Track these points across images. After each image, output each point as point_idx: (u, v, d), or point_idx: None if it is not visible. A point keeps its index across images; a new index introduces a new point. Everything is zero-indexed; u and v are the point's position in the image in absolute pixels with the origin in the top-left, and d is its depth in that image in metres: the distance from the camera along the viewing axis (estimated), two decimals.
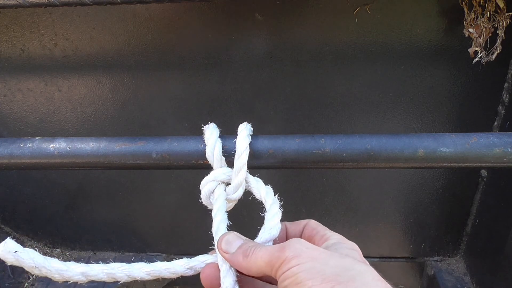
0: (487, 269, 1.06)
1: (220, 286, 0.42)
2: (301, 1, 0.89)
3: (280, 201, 0.49)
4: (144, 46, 0.96)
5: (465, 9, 0.82)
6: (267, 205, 0.48)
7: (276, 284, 0.38)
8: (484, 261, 1.09)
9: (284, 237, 0.47)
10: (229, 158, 0.52)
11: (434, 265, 1.21)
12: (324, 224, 0.46)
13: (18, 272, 1.21)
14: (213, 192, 0.51)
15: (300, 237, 0.46)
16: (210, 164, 0.53)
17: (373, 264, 0.38)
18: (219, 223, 0.46)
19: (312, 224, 0.46)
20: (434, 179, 1.10)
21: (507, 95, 0.95)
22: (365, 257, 0.40)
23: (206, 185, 0.51)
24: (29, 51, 0.98)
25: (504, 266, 0.97)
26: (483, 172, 1.07)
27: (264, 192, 0.49)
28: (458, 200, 1.13)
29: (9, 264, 0.44)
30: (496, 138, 0.51)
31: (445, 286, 1.13)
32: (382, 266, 1.23)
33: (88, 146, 0.54)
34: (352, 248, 0.40)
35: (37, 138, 0.56)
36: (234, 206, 0.53)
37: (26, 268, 0.44)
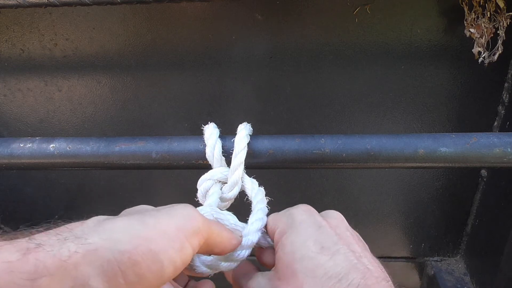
0: (487, 269, 1.06)
1: None
2: (301, 1, 0.89)
3: (276, 203, 0.48)
4: (144, 46, 0.96)
5: (466, 9, 0.82)
6: (253, 210, 0.48)
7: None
8: (484, 261, 1.09)
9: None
10: (229, 158, 0.52)
11: (434, 265, 1.21)
12: None
13: None
14: (208, 190, 0.51)
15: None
16: (210, 164, 0.53)
17: None
18: None
19: (270, 223, 0.45)
20: (434, 179, 1.10)
21: (507, 95, 0.95)
22: None
23: (203, 183, 0.51)
24: (29, 51, 0.98)
25: (504, 266, 0.97)
26: (483, 172, 1.07)
27: (254, 194, 0.50)
28: (458, 200, 1.12)
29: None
30: (496, 138, 0.51)
31: (445, 286, 1.13)
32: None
33: (88, 146, 0.54)
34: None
35: (37, 138, 0.56)
36: (235, 205, 0.53)
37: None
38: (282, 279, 0.37)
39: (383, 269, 0.39)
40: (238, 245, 0.42)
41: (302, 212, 0.42)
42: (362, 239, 0.44)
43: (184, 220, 0.33)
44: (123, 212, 0.38)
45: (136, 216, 0.33)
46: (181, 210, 0.35)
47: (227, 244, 0.40)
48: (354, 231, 0.44)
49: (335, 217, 0.44)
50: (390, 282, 0.37)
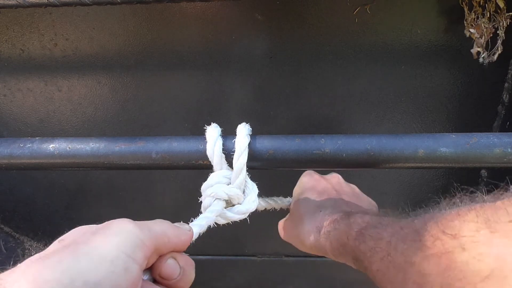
0: None
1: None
2: (301, 1, 0.89)
3: None
4: (144, 46, 0.96)
5: (465, 10, 0.82)
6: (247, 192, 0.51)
7: None
8: None
9: None
10: (228, 158, 0.52)
11: None
12: None
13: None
14: (211, 205, 0.50)
15: None
16: (210, 164, 0.53)
17: None
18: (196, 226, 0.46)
19: None
20: (434, 179, 1.10)
21: (507, 95, 0.95)
22: None
23: (208, 194, 0.50)
24: (29, 51, 0.98)
25: None
26: (483, 172, 1.07)
27: (248, 191, 0.51)
28: None
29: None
30: (496, 138, 0.51)
31: None
32: None
33: (88, 146, 0.54)
34: None
35: (37, 138, 0.56)
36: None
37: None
38: (294, 218, 0.62)
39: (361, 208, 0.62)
40: (189, 239, 0.39)
41: (307, 182, 0.68)
42: (354, 194, 0.69)
43: (122, 237, 0.30)
44: (57, 242, 0.34)
45: (68, 248, 0.29)
46: (117, 227, 0.31)
47: (176, 242, 0.36)
48: (349, 186, 0.71)
49: (330, 181, 0.69)
50: (353, 218, 0.49)
